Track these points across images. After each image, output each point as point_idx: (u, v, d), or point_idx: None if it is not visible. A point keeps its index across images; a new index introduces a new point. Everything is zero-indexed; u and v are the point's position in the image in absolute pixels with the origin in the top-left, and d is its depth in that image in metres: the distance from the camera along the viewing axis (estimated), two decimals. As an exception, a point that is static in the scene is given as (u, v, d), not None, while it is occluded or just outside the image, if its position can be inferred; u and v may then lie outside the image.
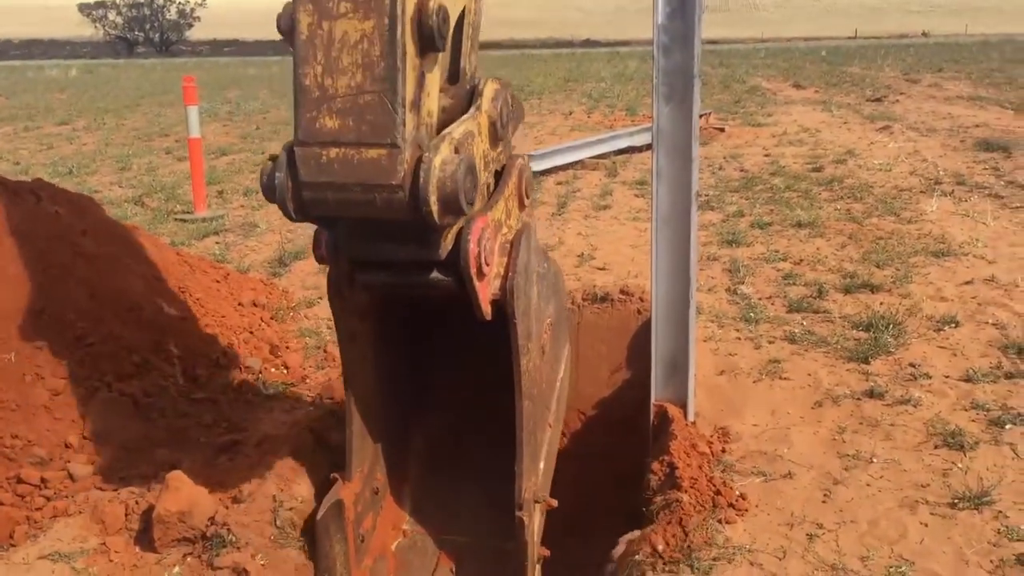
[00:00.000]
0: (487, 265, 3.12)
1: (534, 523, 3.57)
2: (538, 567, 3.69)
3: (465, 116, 3.19)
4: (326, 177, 2.82)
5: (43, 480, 4.35)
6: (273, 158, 2.95)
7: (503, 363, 3.35)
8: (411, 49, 2.80)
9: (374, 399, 3.81)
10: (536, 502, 3.57)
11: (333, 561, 3.71)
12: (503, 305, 3.24)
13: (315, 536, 3.75)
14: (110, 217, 7.02)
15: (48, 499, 4.30)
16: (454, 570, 4.07)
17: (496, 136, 3.37)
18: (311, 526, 3.92)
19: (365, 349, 3.68)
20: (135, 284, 5.87)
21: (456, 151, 2.96)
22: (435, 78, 3.00)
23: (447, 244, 3.05)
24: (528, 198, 3.60)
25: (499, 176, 3.45)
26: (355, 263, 3.25)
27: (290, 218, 2.99)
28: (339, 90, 2.77)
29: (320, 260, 3.32)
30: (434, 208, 2.79)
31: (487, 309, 3.20)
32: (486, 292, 3.17)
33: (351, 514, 3.75)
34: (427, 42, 2.84)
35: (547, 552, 3.72)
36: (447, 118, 3.18)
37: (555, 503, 3.82)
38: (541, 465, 3.72)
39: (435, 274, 3.16)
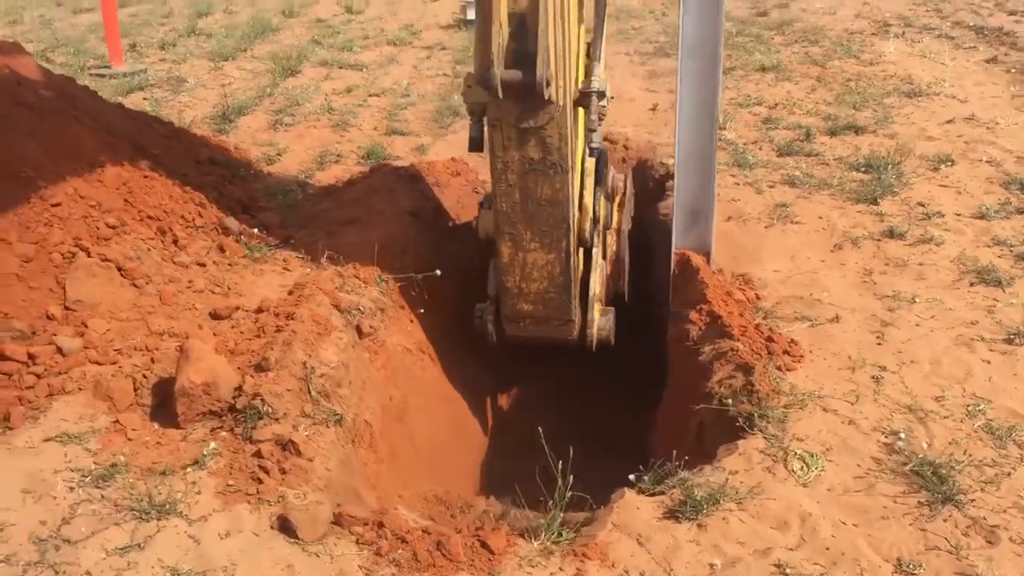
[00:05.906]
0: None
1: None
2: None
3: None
4: (524, 334, 4.90)
5: (30, 356, 3.83)
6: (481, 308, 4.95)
7: None
8: (577, 261, 4.60)
9: None
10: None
11: None
12: None
13: None
14: (43, 66, 6.24)
15: (39, 376, 3.80)
16: None
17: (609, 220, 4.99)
18: None
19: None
20: (87, 139, 5.20)
21: (601, 303, 4.93)
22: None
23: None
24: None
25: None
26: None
27: (492, 344, 4.99)
28: (532, 290, 4.58)
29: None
30: (595, 347, 4.90)
31: None
32: None
33: None
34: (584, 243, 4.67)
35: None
36: None
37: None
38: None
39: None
